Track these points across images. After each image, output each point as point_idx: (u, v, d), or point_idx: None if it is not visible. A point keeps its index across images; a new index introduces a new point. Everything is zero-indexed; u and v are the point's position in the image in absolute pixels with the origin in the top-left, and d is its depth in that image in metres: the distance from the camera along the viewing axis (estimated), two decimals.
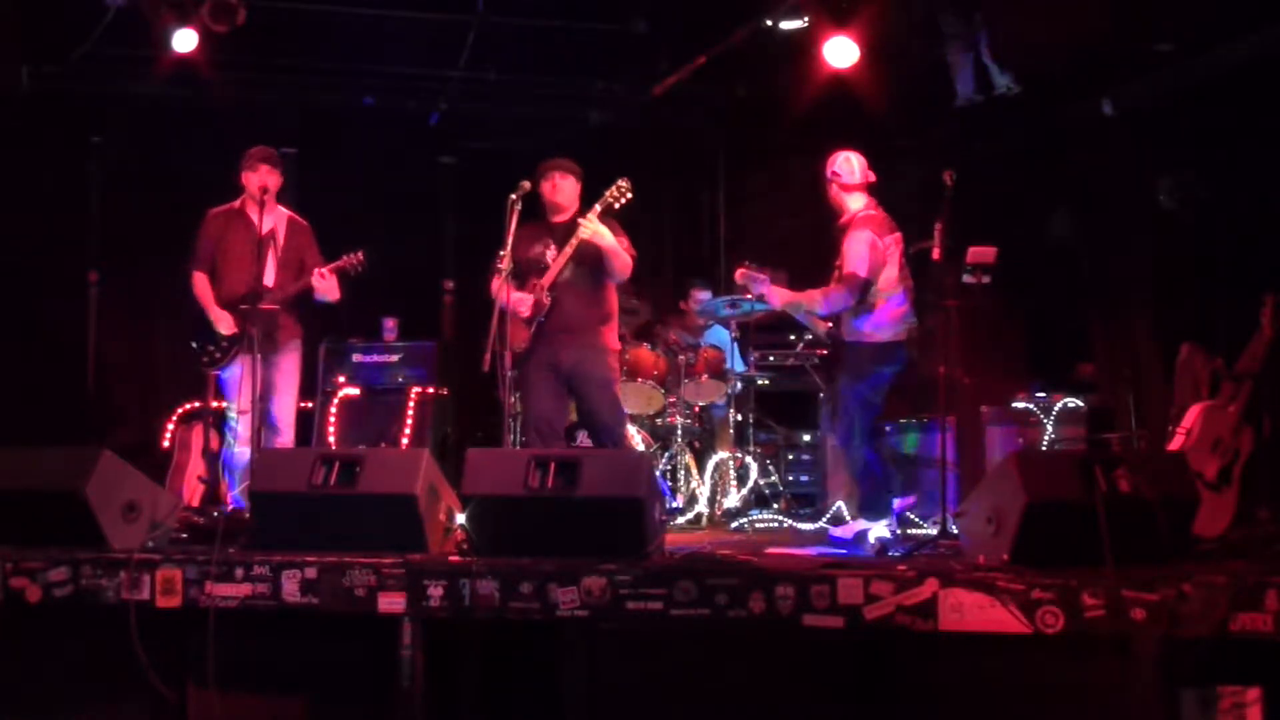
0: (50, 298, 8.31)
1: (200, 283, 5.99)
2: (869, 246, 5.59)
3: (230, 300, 5.92)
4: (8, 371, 7.73)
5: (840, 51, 7.03)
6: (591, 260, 5.62)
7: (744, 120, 9.17)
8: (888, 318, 5.66)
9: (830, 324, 5.89)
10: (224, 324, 5.87)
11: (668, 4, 8.21)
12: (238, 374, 5.86)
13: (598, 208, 5.52)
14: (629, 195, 5.56)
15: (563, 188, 5.72)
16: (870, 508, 5.68)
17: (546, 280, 5.60)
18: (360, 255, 5.90)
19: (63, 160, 8.47)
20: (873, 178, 5.80)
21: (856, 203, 5.75)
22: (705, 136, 9.45)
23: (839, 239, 5.75)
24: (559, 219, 5.75)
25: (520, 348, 5.60)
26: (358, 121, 8.85)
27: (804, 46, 7.44)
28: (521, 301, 5.63)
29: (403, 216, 8.87)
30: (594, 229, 5.48)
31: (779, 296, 5.85)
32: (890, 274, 5.64)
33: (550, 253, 5.67)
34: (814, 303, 5.75)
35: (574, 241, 5.53)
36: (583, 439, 6.59)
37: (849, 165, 5.77)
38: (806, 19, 7.32)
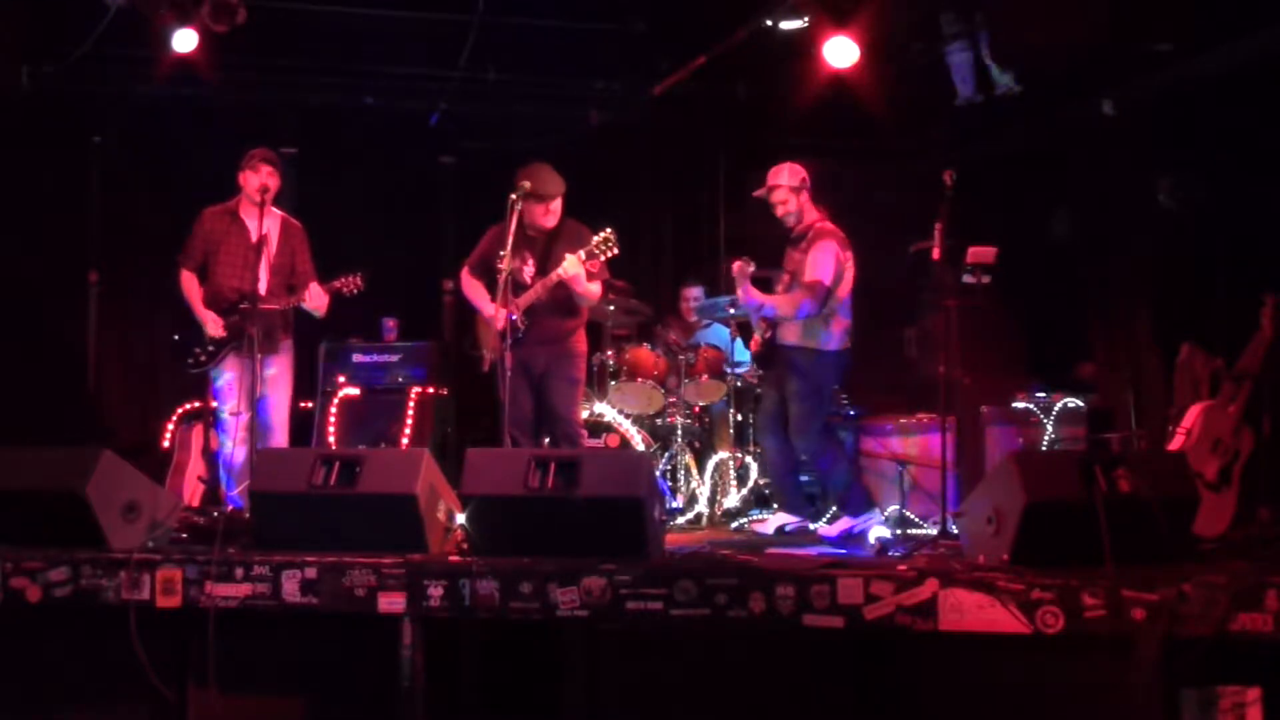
0: (50, 298, 8.31)
1: (188, 282, 5.99)
2: (834, 257, 5.82)
3: (222, 303, 5.91)
4: (8, 371, 7.73)
5: (840, 51, 7.02)
6: (566, 289, 5.70)
7: (744, 120, 9.17)
8: (840, 329, 5.90)
9: (769, 332, 6.06)
10: (211, 325, 5.87)
11: (668, 4, 8.20)
12: (229, 376, 5.86)
13: (582, 255, 5.58)
14: (615, 250, 5.64)
15: (555, 212, 5.79)
16: (853, 504, 5.90)
17: (524, 302, 5.67)
18: (359, 279, 5.92)
19: (63, 160, 8.46)
20: None
21: (814, 212, 6.01)
22: (705, 136, 9.44)
23: (799, 246, 5.92)
24: (538, 234, 5.81)
25: (495, 356, 5.66)
26: (358, 121, 8.84)
27: (804, 46, 7.44)
28: (499, 320, 5.66)
29: (403, 216, 8.86)
30: (574, 273, 5.56)
31: (754, 295, 5.98)
32: (845, 287, 5.87)
33: (528, 269, 5.75)
34: (786, 307, 5.89)
35: (554, 277, 5.60)
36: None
37: (806, 175, 6.02)
38: (806, 19, 7.31)
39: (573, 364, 5.91)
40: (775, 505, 6.45)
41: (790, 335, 5.95)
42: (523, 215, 5.64)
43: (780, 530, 6.07)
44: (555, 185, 5.74)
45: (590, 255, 5.60)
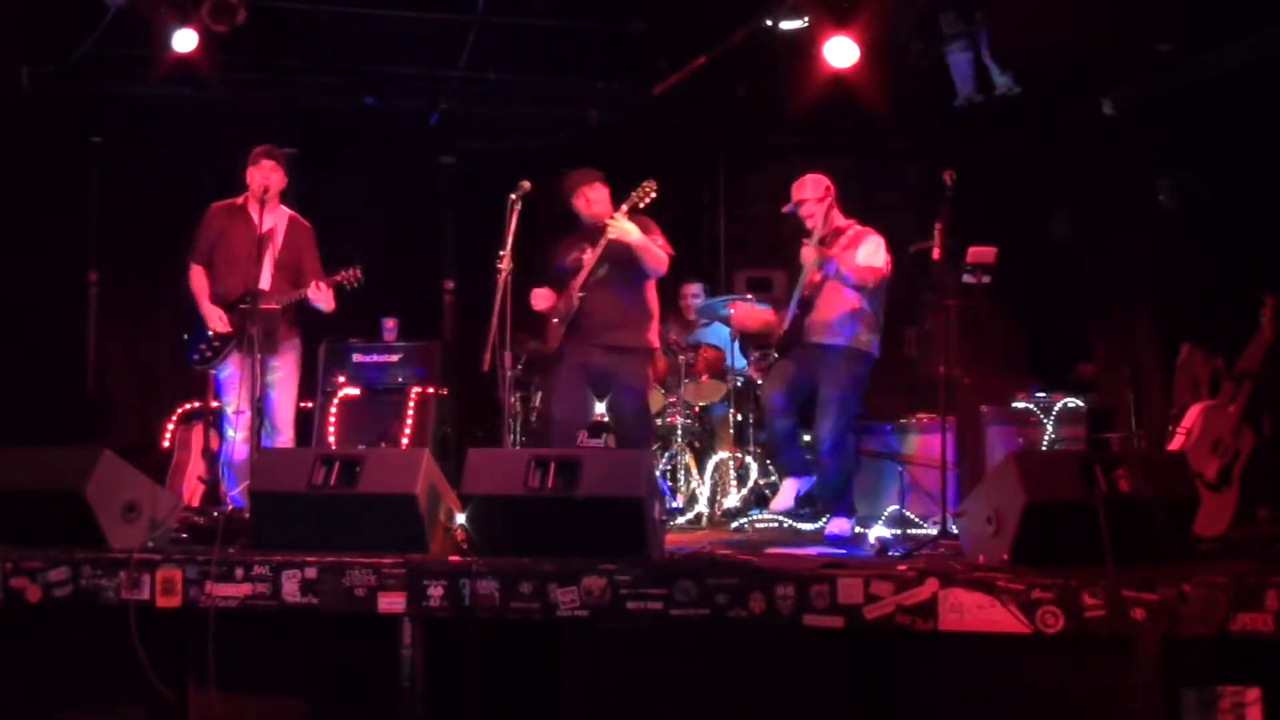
0: (50, 298, 8.31)
1: (196, 277, 5.97)
2: (885, 252, 5.86)
3: (226, 298, 5.90)
4: (8, 371, 7.73)
5: (840, 51, 7.03)
6: (624, 259, 5.68)
7: (744, 120, 9.18)
8: (879, 335, 5.92)
9: (787, 329, 6.02)
10: (215, 321, 5.86)
11: (668, 4, 8.21)
12: (233, 373, 5.85)
13: (624, 208, 5.60)
14: (653, 195, 5.67)
15: (596, 200, 5.82)
16: (846, 506, 5.95)
17: (578, 281, 5.68)
18: (357, 271, 5.89)
19: (63, 160, 8.47)
20: None
21: (843, 218, 6.01)
22: (705, 136, 9.45)
23: (834, 246, 5.87)
24: (595, 227, 5.82)
25: (552, 349, 5.65)
26: (358, 121, 8.85)
27: (804, 46, 7.44)
28: (541, 298, 5.75)
29: (403, 216, 8.87)
30: (621, 228, 5.55)
31: (824, 251, 5.90)
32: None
33: (586, 256, 5.76)
34: (846, 266, 5.80)
35: (602, 242, 5.61)
36: (583, 438, 6.60)
37: (830, 183, 6.00)
38: (806, 19, 7.32)
39: (635, 367, 5.78)
40: (779, 479, 6.40)
41: (841, 337, 5.86)
42: (579, 216, 5.82)
43: (797, 496, 6.03)
44: (588, 174, 5.86)
45: (631, 206, 5.61)
